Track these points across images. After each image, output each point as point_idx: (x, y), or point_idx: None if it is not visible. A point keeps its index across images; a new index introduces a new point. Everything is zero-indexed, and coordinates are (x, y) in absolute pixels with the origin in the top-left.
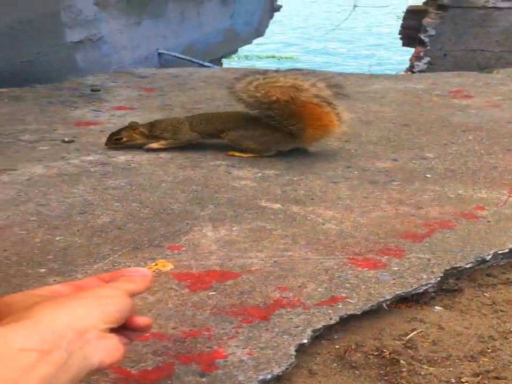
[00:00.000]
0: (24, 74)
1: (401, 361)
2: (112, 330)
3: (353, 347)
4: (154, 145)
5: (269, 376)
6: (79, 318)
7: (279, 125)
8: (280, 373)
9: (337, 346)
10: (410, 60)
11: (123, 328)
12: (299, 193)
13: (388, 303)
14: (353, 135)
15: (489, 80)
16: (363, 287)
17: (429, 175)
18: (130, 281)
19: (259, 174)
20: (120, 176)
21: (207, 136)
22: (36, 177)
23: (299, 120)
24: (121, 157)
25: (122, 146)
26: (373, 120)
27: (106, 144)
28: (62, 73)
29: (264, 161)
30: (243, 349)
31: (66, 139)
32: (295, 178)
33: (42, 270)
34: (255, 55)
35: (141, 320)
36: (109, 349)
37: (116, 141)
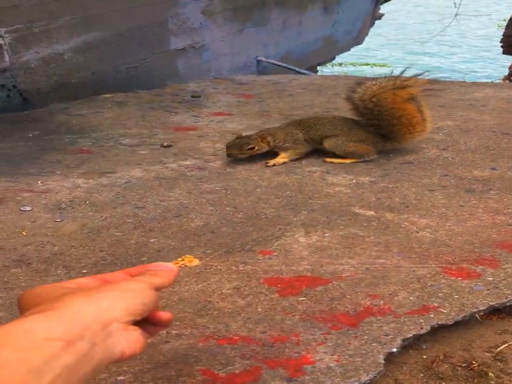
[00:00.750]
0: (129, 80)
1: (490, 374)
2: (137, 323)
3: (441, 358)
4: (280, 160)
5: None
6: (103, 310)
7: (380, 131)
8: (368, 381)
9: (425, 357)
10: (509, 68)
11: (146, 322)
12: (394, 200)
13: (481, 314)
14: (451, 142)
15: None
16: (456, 296)
17: None
18: (155, 275)
19: (354, 181)
20: (215, 181)
21: (313, 143)
22: (134, 180)
23: (398, 125)
24: (218, 162)
25: (245, 156)
26: (472, 128)
27: (231, 155)
28: (163, 79)
29: (359, 168)
30: (331, 355)
31: (165, 144)
32: (390, 186)
33: None
34: (350, 62)
35: (163, 315)
36: (131, 341)
37: (248, 151)
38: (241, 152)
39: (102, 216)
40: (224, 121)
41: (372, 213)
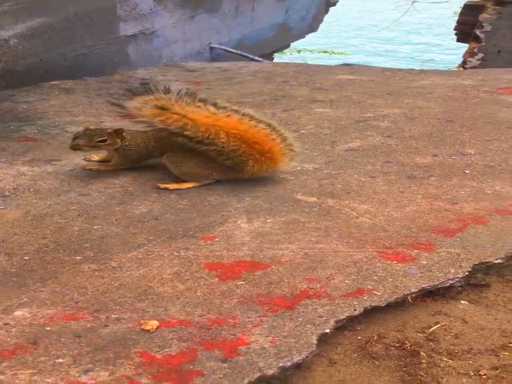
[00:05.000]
0: (78, 67)
1: (422, 353)
2: None
3: (375, 338)
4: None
5: (289, 364)
6: None
7: (216, 157)
8: (300, 361)
9: (359, 337)
10: (463, 56)
11: None
12: (336, 187)
13: (413, 296)
14: (396, 130)
15: None
16: (390, 279)
17: (467, 171)
18: None
19: (298, 168)
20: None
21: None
22: (79, 167)
23: (238, 151)
24: None
25: (92, 149)
26: (417, 116)
27: (76, 147)
28: (113, 66)
29: (304, 155)
30: (266, 337)
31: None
32: (334, 172)
33: (78, 258)
34: (308, 50)
35: None
36: None
37: (98, 143)
38: (90, 144)
39: (46, 204)
40: None
41: (314, 199)
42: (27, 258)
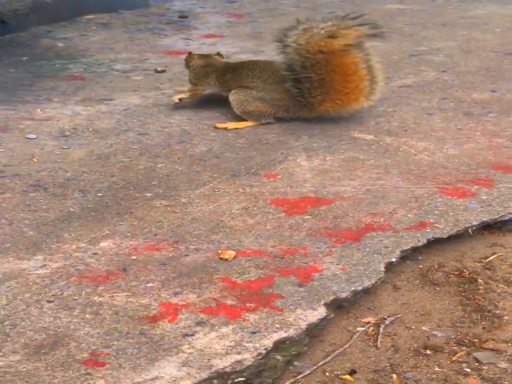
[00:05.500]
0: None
1: (479, 280)
2: None
3: (435, 267)
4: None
5: (360, 288)
6: None
7: (302, 91)
8: (370, 286)
9: (420, 266)
10: None
11: None
12: (392, 124)
13: (473, 229)
14: (451, 64)
15: None
16: (451, 213)
17: None
18: None
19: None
20: (215, 106)
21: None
22: (133, 107)
23: (324, 85)
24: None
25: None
26: (473, 49)
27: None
28: None
29: None
30: (336, 265)
31: (159, 69)
32: (389, 110)
33: (149, 194)
34: None
35: None
36: None
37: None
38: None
39: (107, 143)
40: (216, 44)
41: (372, 137)
42: (100, 195)
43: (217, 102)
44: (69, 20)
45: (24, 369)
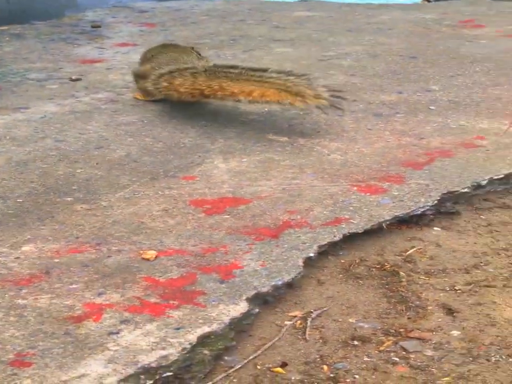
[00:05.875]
0: (23, 11)
1: (401, 273)
2: None
3: (357, 261)
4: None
5: (280, 282)
6: None
7: None
8: (290, 280)
9: (342, 261)
10: None
11: None
12: (305, 126)
13: (387, 223)
14: (359, 68)
15: (503, 8)
16: (365, 209)
17: (433, 107)
18: None
19: (266, 109)
20: (131, 113)
21: None
22: (50, 114)
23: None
24: (130, 94)
25: None
26: (380, 53)
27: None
28: (60, 9)
29: None
30: (256, 261)
31: (73, 77)
32: (301, 113)
33: (69, 199)
34: None
35: None
36: None
37: None
38: None
39: (26, 150)
40: (129, 52)
41: (286, 138)
42: (21, 200)
43: (136, 107)
44: None
45: None
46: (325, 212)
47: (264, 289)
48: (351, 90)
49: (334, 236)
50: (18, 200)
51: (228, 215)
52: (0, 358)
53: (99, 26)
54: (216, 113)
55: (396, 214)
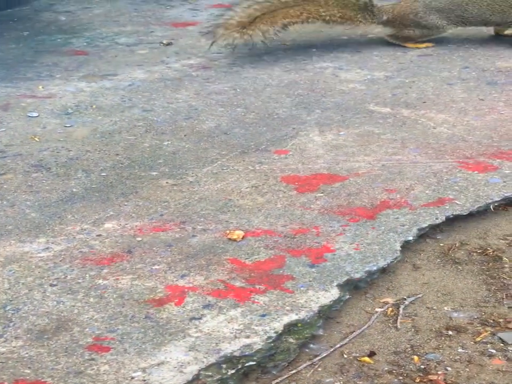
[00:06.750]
0: None
1: (504, 259)
2: None
3: (457, 245)
4: None
5: (375, 268)
6: None
7: None
8: (386, 266)
9: (441, 244)
10: None
11: None
12: (410, 96)
13: (495, 205)
14: (474, 31)
15: None
16: (472, 189)
17: None
18: None
19: (368, 77)
20: (223, 81)
21: None
22: (138, 82)
23: None
24: (223, 60)
25: None
26: None
27: None
28: None
29: (374, 62)
30: (350, 244)
31: (164, 41)
32: (407, 81)
33: (154, 173)
34: None
35: None
36: None
37: None
38: None
39: (112, 120)
40: (224, 15)
41: (388, 109)
42: (104, 174)
43: (228, 74)
44: None
45: (26, 355)
46: (427, 192)
47: (357, 275)
48: (464, 56)
49: (436, 218)
50: (102, 174)
51: (322, 193)
52: (78, 341)
53: None
54: (313, 81)
55: (506, 194)
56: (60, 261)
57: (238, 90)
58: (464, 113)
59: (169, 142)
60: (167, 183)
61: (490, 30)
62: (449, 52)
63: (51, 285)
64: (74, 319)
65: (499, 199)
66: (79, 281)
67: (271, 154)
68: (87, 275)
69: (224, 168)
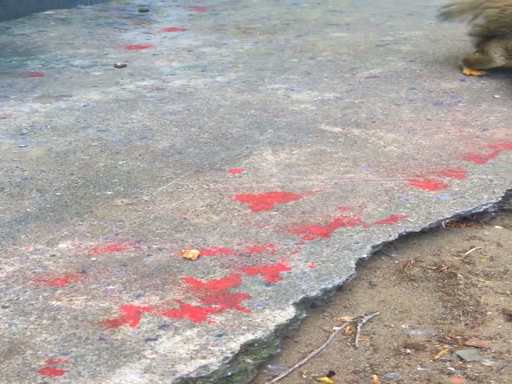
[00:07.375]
0: None
1: (459, 275)
2: None
3: (412, 262)
4: None
5: (330, 286)
6: None
7: None
8: (341, 283)
9: (396, 262)
10: None
11: None
12: (360, 116)
13: (447, 222)
14: (419, 54)
15: None
16: (423, 206)
17: (497, 96)
18: None
19: (319, 97)
20: (177, 101)
21: None
22: (93, 103)
23: None
24: (177, 82)
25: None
26: (441, 38)
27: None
28: None
29: (323, 84)
30: (305, 262)
31: (118, 63)
32: (356, 101)
33: (109, 193)
34: None
35: None
36: None
37: None
38: None
39: (66, 140)
40: (177, 38)
41: (339, 129)
42: (59, 194)
43: (182, 95)
44: (27, 16)
45: None
46: (379, 209)
47: (313, 293)
48: (410, 78)
49: (389, 236)
50: (56, 194)
51: (276, 211)
52: (30, 365)
53: (147, 10)
54: (266, 102)
55: (456, 211)
56: (13, 282)
57: (192, 110)
58: (413, 133)
59: (124, 162)
60: (122, 202)
61: (435, 54)
62: (396, 73)
63: (3, 307)
64: (27, 341)
65: (450, 216)
66: (32, 302)
67: (225, 173)
68: (40, 296)
69: (179, 187)
